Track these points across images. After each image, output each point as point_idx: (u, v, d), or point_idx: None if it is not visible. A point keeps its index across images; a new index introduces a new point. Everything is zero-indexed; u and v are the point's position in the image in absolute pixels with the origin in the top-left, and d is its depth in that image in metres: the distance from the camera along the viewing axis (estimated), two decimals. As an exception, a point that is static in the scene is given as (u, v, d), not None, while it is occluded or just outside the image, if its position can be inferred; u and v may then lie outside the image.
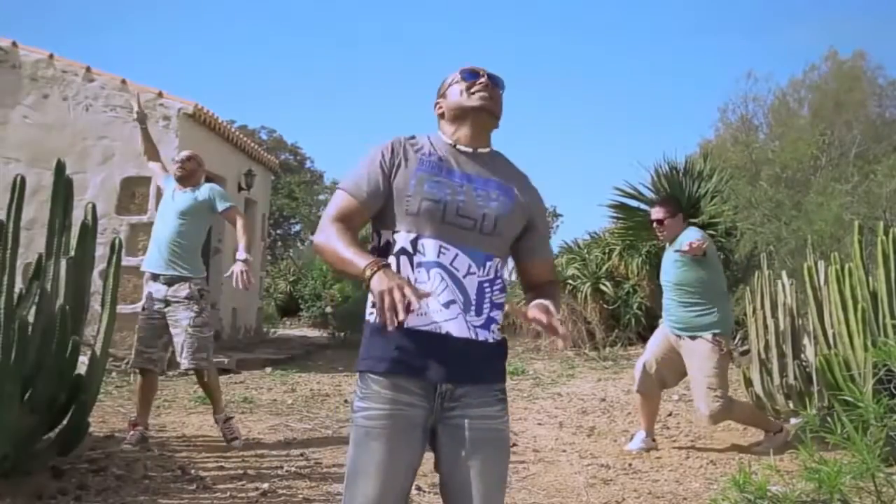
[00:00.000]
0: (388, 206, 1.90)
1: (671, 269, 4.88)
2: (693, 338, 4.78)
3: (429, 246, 1.85)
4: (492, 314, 1.89)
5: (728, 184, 11.38)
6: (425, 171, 1.89)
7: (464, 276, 1.85)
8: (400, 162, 1.91)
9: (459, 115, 1.96)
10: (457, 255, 1.85)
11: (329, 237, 1.86)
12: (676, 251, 4.81)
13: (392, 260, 1.86)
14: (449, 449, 1.87)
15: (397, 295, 1.64)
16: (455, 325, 1.83)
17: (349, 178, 1.93)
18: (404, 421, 1.84)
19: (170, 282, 4.79)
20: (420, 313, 1.81)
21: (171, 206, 4.90)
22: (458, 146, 1.96)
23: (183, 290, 4.77)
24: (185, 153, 5.09)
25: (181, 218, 4.84)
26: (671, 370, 4.97)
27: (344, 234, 1.85)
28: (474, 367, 1.86)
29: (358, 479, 1.85)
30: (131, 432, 4.72)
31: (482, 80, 1.96)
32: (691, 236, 4.75)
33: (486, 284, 1.88)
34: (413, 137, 1.99)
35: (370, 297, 1.86)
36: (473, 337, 1.85)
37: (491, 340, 1.89)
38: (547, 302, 1.85)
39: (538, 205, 2.03)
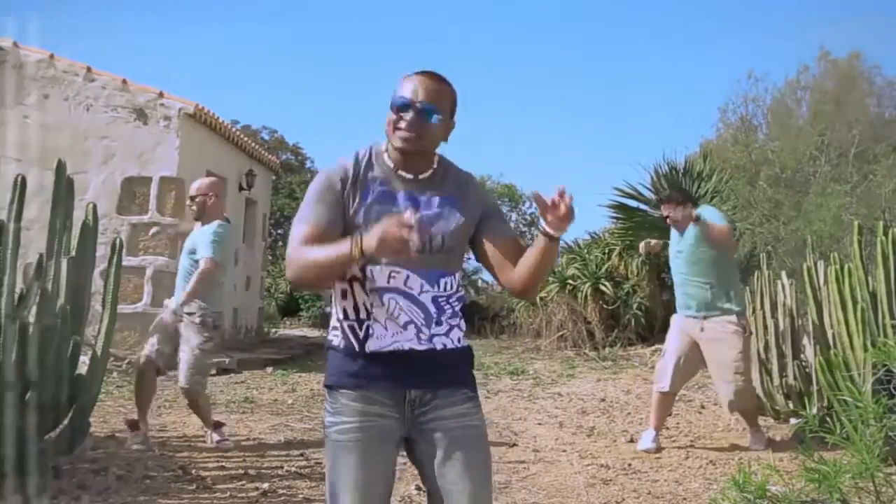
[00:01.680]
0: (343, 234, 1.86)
1: (687, 248, 4.98)
2: (715, 319, 4.82)
3: (378, 272, 1.85)
4: (452, 322, 1.92)
5: (727, 184, 11.39)
6: (375, 201, 1.87)
7: (419, 294, 1.87)
8: (352, 191, 1.88)
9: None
10: (408, 276, 1.87)
11: (302, 255, 1.80)
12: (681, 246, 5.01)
13: (345, 286, 1.88)
14: (429, 453, 1.89)
15: (396, 234, 1.63)
16: (415, 342, 1.87)
17: (308, 210, 1.87)
18: (376, 431, 1.87)
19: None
20: (379, 336, 1.85)
21: (189, 246, 4.90)
22: (399, 171, 1.92)
23: (197, 316, 4.77)
24: (193, 191, 4.94)
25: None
26: (691, 366, 5.03)
27: (315, 246, 1.80)
28: (440, 373, 1.90)
29: (339, 493, 1.87)
30: (134, 433, 4.73)
31: (408, 116, 1.85)
32: (712, 217, 4.91)
33: (443, 299, 1.90)
34: (359, 156, 1.92)
35: (332, 320, 1.94)
36: (434, 348, 1.89)
37: (453, 347, 1.92)
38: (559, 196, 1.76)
39: (484, 200, 2.00)
